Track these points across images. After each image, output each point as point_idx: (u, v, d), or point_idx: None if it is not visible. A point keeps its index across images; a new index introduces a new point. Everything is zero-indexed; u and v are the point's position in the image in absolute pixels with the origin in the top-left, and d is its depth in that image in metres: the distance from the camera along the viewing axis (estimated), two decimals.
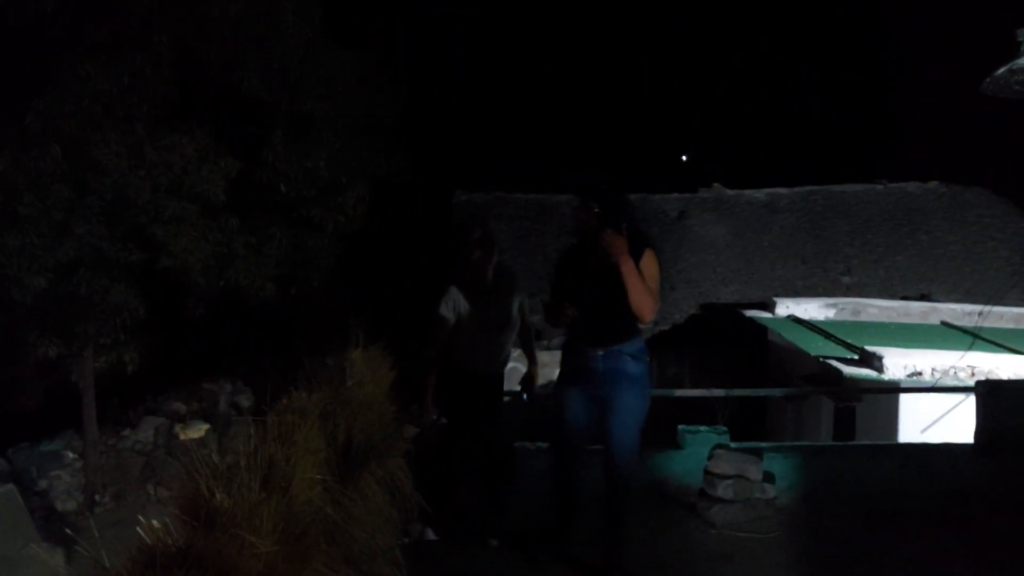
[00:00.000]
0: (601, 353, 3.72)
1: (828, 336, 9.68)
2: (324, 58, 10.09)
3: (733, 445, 5.15)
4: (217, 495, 2.78)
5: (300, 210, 10.30)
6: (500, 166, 17.34)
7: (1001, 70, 4.34)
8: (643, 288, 3.49)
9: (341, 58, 10.24)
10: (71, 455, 10.25)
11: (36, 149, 7.19)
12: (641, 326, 3.81)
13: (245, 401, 11.28)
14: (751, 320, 11.32)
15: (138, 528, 2.88)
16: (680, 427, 5.95)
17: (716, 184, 14.54)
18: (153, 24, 7.93)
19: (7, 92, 7.60)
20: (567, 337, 3.89)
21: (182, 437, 10.33)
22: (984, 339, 9.09)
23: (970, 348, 8.24)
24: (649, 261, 3.60)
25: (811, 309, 11.28)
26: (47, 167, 7.23)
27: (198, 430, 10.44)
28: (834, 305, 11.50)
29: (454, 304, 4.32)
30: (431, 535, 4.32)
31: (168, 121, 8.55)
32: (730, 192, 14.32)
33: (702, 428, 5.91)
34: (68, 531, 6.76)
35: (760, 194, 14.32)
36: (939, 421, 7.62)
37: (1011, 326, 10.16)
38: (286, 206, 10.26)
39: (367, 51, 10.79)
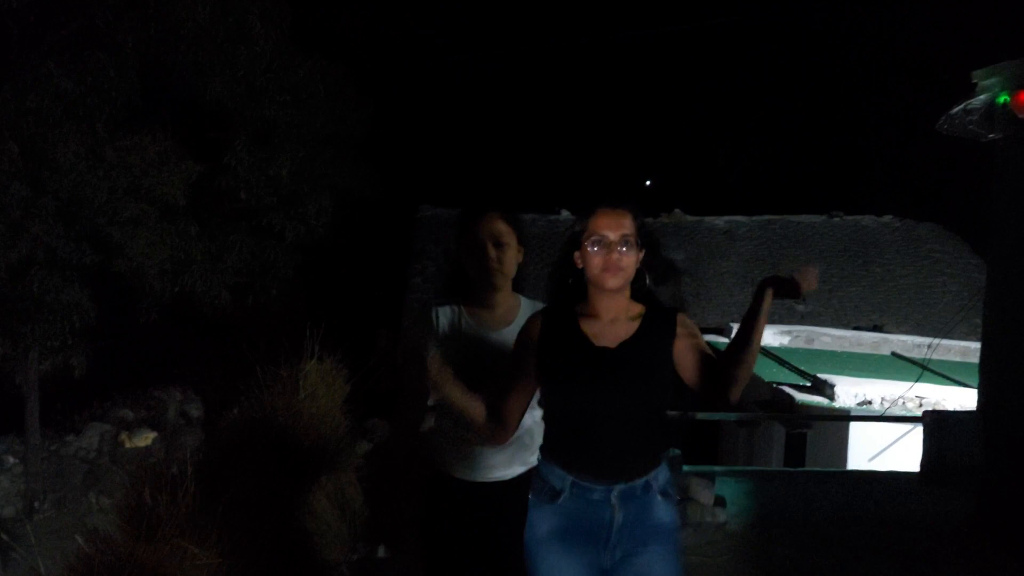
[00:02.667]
0: (617, 492, 2.19)
1: (782, 363, 9.80)
2: (291, 67, 10.02)
3: (686, 468, 5.18)
4: (161, 504, 2.72)
5: (260, 218, 10.19)
6: (468, 183, 17.39)
7: (956, 109, 4.46)
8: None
9: (308, 67, 10.18)
10: (11, 460, 9.94)
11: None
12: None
13: (195, 410, 11.05)
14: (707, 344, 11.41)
15: (77, 536, 2.81)
16: None
17: (677, 210, 14.74)
18: (118, 25, 7.82)
19: None
20: (540, 460, 2.30)
21: (128, 445, 10.08)
22: (932, 371, 9.27)
23: (919, 379, 8.40)
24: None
25: (766, 336, 11.41)
26: (4, 165, 7.06)
27: (145, 438, 10.20)
28: (789, 332, 11.66)
29: (447, 328, 2.63)
30: (382, 552, 4.26)
31: (129, 122, 8.43)
32: (690, 218, 14.52)
33: None
34: (4, 537, 6.54)
35: (720, 221, 14.54)
36: (887, 450, 7.75)
37: (958, 359, 10.38)
38: (246, 213, 10.14)
39: (336, 62, 10.74)
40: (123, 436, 10.20)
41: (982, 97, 4.44)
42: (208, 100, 9.35)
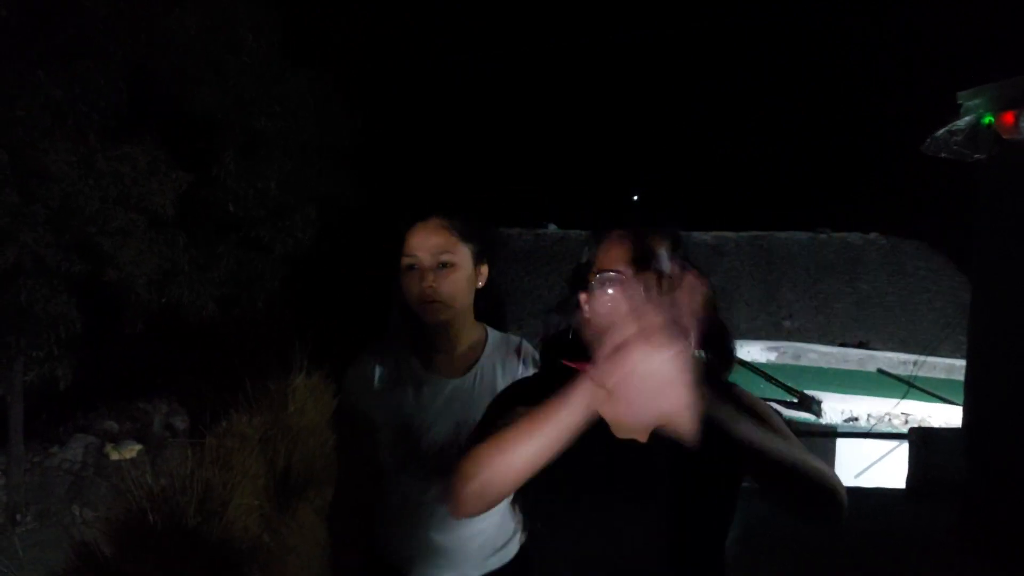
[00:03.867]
0: None
1: (769, 379, 9.85)
2: (280, 78, 10.06)
3: None
4: (150, 516, 2.71)
5: (248, 230, 10.19)
6: (452, 192, 17.37)
7: (941, 131, 4.53)
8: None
9: (297, 79, 10.22)
10: None
11: None
12: None
13: (180, 423, 10.97)
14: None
15: (68, 546, 2.78)
16: None
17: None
18: (108, 34, 7.83)
19: None
20: None
21: (113, 457, 10.00)
22: (918, 388, 9.34)
23: (904, 396, 8.47)
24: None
25: (753, 351, 11.48)
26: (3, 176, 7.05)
27: (130, 450, 10.12)
28: (776, 348, 11.73)
29: (386, 381, 2.00)
30: None
31: (119, 132, 8.42)
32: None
33: None
34: None
35: (707, 236, 14.63)
36: (873, 466, 7.79)
37: (943, 376, 10.48)
38: (234, 225, 10.13)
39: (324, 74, 10.79)
40: (108, 448, 10.11)
41: (967, 118, 4.51)
42: (197, 110, 9.37)
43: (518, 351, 2.06)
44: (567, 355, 1.45)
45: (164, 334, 10.27)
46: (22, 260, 7.55)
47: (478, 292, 2.02)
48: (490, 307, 2.09)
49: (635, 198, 25.33)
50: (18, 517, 9.39)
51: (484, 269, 2.02)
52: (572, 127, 25.29)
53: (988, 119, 4.30)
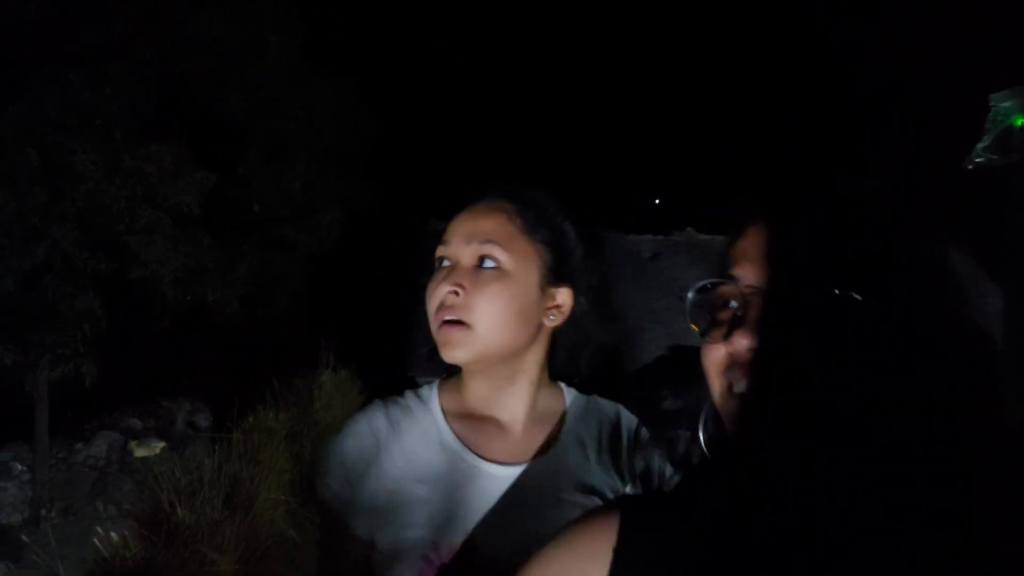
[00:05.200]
0: None
1: None
2: (304, 82, 10.18)
3: None
4: (179, 510, 2.73)
5: (272, 230, 10.28)
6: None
7: (978, 146, 4.47)
8: None
9: (321, 82, 10.34)
10: (19, 467, 9.95)
11: (14, 154, 7.12)
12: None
13: (203, 420, 11.06)
14: None
15: (96, 540, 2.81)
16: None
17: (689, 228, 14.78)
18: (137, 36, 7.95)
19: None
20: None
21: (137, 454, 10.10)
22: None
23: None
24: None
25: None
26: (24, 172, 7.16)
27: (153, 448, 10.22)
28: None
29: (402, 463, 1.26)
30: None
31: (145, 131, 8.54)
32: (701, 236, 14.55)
33: None
34: (24, 538, 6.55)
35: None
36: None
37: None
38: (258, 225, 10.22)
39: (347, 78, 10.91)
40: (132, 445, 10.21)
41: (999, 120, 4.45)
42: (222, 112, 9.48)
43: (617, 429, 1.31)
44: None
45: (188, 332, 10.37)
46: (51, 258, 7.66)
47: (555, 332, 1.29)
48: (579, 359, 1.32)
49: (656, 201, 25.28)
50: (43, 512, 9.50)
51: (564, 294, 1.27)
52: (591, 128, 25.28)
53: (1020, 120, 4.25)
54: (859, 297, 0.68)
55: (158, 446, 10.18)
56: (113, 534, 2.90)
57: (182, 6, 8.50)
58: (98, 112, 7.71)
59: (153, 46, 8.15)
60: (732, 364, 0.76)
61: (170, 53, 8.47)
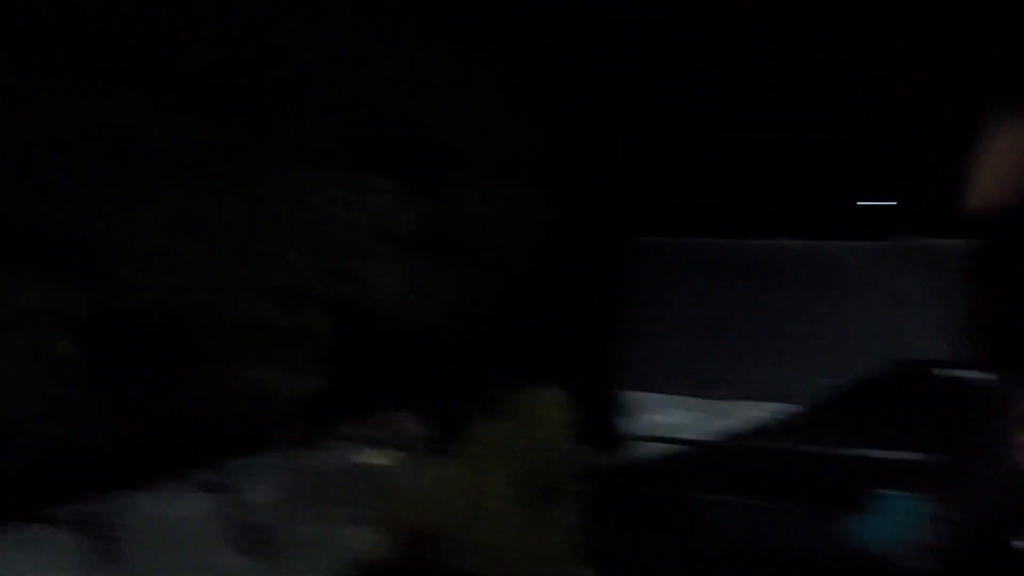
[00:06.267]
0: None
1: None
2: (503, 115, 10.84)
3: None
4: (418, 518, 3.02)
5: (483, 250, 10.88)
6: (681, 205, 15.56)
7: None
8: None
9: (517, 115, 10.96)
10: (270, 472, 10.93)
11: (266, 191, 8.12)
12: None
13: (427, 432, 11.69)
14: None
15: (343, 541, 3.16)
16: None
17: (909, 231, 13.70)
18: (359, 85, 8.88)
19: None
20: None
21: (371, 462, 10.85)
22: None
23: None
24: None
25: None
26: (275, 208, 8.16)
27: (385, 457, 10.93)
28: None
29: None
30: None
31: (366, 165, 9.42)
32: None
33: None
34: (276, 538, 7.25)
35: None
36: None
37: None
38: (470, 246, 10.85)
39: (540, 106, 11.43)
40: (365, 454, 11.00)
41: None
42: (431, 144, 10.29)
43: None
44: None
45: (409, 349, 11.06)
46: (294, 284, 8.61)
47: None
48: None
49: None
50: (293, 515, 10.42)
51: None
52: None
53: None
54: None
55: (390, 455, 10.88)
56: (361, 537, 3.24)
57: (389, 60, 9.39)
58: (329, 152, 8.63)
59: (372, 92, 9.05)
60: None
61: (384, 96, 9.36)
